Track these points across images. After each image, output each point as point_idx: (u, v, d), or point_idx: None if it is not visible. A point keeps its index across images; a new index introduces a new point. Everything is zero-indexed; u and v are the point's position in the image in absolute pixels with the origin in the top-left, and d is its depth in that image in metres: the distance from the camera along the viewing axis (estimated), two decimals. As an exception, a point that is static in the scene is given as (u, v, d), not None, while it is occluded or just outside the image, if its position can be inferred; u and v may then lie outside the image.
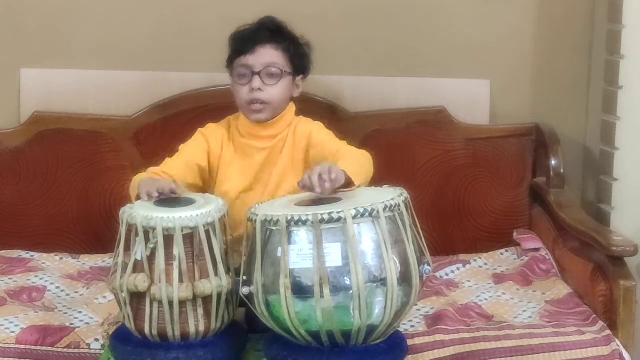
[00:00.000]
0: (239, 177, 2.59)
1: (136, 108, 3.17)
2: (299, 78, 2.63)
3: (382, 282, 2.15)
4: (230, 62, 2.61)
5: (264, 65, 2.55)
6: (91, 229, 3.10)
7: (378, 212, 2.16)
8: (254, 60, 2.56)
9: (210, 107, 3.09)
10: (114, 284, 2.26)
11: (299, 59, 2.62)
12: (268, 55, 2.56)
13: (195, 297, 2.22)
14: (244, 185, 2.58)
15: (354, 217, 2.14)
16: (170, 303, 2.20)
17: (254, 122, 2.59)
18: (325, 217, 2.13)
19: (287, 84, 2.59)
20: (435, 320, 2.55)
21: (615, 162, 3.05)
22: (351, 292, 2.12)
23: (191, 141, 2.63)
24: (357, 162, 2.41)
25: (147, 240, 2.21)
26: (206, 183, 2.60)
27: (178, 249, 2.20)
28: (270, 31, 2.59)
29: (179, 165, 2.55)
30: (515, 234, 3.11)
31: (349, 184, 2.30)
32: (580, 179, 3.31)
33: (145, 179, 2.44)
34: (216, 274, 2.24)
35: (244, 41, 2.59)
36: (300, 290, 2.13)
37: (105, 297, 2.71)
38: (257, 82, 2.55)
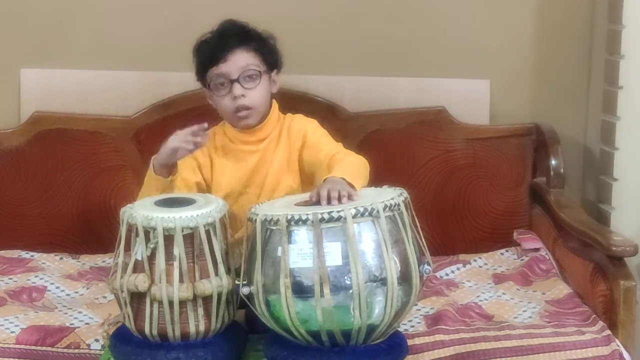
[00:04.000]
0: (232, 181, 2.58)
1: (136, 108, 3.18)
2: (273, 73, 2.61)
3: (382, 281, 2.15)
4: (201, 74, 2.59)
5: (240, 70, 2.53)
6: (91, 229, 3.10)
7: (378, 211, 2.16)
8: (228, 68, 2.53)
9: (210, 107, 3.06)
10: (114, 284, 2.26)
11: (270, 54, 2.60)
12: (242, 60, 2.54)
13: (195, 297, 2.22)
14: (239, 189, 2.58)
15: (354, 217, 2.14)
16: (171, 303, 2.20)
17: (243, 129, 2.58)
18: (325, 216, 2.14)
19: (265, 84, 2.58)
20: (435, 320, 2.55)
21: (615, 162, 3.05)
22: (351, 291, 2.12)
23: (181, 161, 2.57)
24: (354, 167, 2.40)
25: (147, 240, 2.21)
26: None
27: (178, 249, 2.20)
28: (237, 35, 2.56)
29: (179, 186, 2.52)
30: (515, 234, 3.11)
31: None
32: (580, 179, 3.31)
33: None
34: (216, 274, 2.25)
35: (214, 51, 2.56)
36: (301, 290, 2.14)
37: (105, 297, 2.71)
38: (237, 89, 2.53)
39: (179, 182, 2.52)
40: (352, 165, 2.41)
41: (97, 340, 2.44)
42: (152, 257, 2.22)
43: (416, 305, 2.47)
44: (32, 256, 3.00)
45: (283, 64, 2.65)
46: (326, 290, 2.12)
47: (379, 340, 2.24)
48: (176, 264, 2.21)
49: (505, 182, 3.18)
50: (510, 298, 2.76)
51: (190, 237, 2.22)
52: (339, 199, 2.21)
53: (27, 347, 2.44)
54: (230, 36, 2.57)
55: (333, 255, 2.13)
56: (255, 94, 2.55)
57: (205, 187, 2.60)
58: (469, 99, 3.24)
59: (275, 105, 2.64)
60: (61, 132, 3.15)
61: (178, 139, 2.43)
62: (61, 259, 3.00)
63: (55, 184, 3.11)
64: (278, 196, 2.51)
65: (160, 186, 2.46)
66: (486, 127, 3.23)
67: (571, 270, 2.86)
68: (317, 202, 2.24)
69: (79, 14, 3.20)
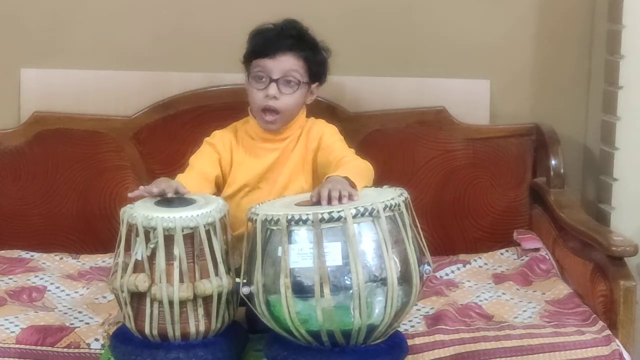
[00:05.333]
0: (247, 176, 2.59)
1: (136, 108, 3.17)
2: (314, 85, 2.62)
3: (382, 281, 2.15)
4: (248, 60, 2.59)
5: (282, 72, 2.53)
6: (91, 229, 3.10)
7: (378, 211, 2.16)
8: (273, 66, 2.53)
9: (211, 107, 3.09)
10: (115, 284, 2.26)
11: (317, 66, 2.60)
12: (288, 63, 2.53)
13: (195, 297, 2.22)
14: (252, 183, 2.58)
15: (354, 217, 2.14)
16: (171, 303, 2.20)
17: (264, 130, 2.59)
18: (326, 216, 2.14)
19: (302, 94, 2.57)
20: (435, 320, 2.55)
21: (615, 162, 3.05)
22: (351, 291, 2.12)
23: (201, 153, 2.61)
24: (357, 169, 2.40)
25: (147, 240, 2.21)
26: (220, 189, 2.60)
27: (178, 249, 2.20)
28: (293, 38, 2.56)
29: (195, 178, 2.52)
30: (515, 234, 3.11)
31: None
32: (580, 179, 3.31)
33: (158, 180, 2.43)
34: (217, 273, 2.25)
35: (266, 43, 2.56)
36: (301, 290, 2.14)
37: (105, 297, 2.71)
38: (273, 89, 2.53)
39: (196, 176, 2.52)
40: (356, 167, 2.42)
41: (97, 340, 2.45)
42: (152, 257, 2.22)
43: (416, 305, 2.47)
44: (32, 256, 3.00)
45: (327, 78, 2.66)
46: (326, 291, 2.12)
47: (379, 341, 2.24)
48: (176, 263, 2.21)
49: (505, 182, 3.18)
50: (510, 298, 2.76)
51: (190, 237, 2.22)
52: (340, 199, 2.22)
53: (27, 347, 2.44)
54: (287, 36, 2.56)
55: (333, 255, 2.13)
56: (287, 100, 2.54)
57: (222, 181, 2.60)
58: (469, 99, 3.24)
59: (303, 110, 2.64)
60: (61, 132, 3.14)
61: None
62: (61, 259, 3.00)
63: (55, 184, 3.11)
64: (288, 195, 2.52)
65: None
66: (486, 127, 3.23)
67: (571, 270, 2.86)
68: (318, 202, 2.24)
69: (79, 14, 3.20)
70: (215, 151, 2.60)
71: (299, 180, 2.57)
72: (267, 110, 2.54)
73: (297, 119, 2.61)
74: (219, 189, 2.60)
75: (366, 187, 2.38)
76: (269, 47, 2.55)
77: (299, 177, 2.57)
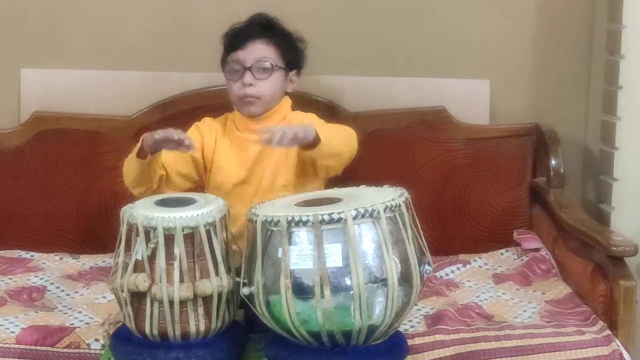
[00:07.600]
0: (233, 169, 2.61)
1: (136, 108, 3.17)
2: (292, 73, 2.67)
3: (383, 282, 2.15)
4: (224, 60, 2.65)
5: (255, 59, 2.58)
6: (91, 229, 3.10)
7: (378, 212, 2.16)
8: (245, 56, 2.59)
9: (210, 107, 3.08)
10: (115, 284, 2.26)
11: (292, 53, 2.66)
12: (259, 50, 2.60)
13: (195, 297, 2.22)
14: (239, 178, 2.60)
15: (355, 218, 2.13)
16: (171, 303, 2.20)
17: (247, 116, 2.60)
18: (326, 217, 2.13)
19: (278, 79, 2.62)
20: (435, 320, 2.55)
21: (615, 162, 3.05)
22: (352, 292, 2.12)
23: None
24: (332, 127, 2.47)
25: (147, 239, 2.21)
26: (202, 177, 2.63)
27: (179, 249, 2.20)
28: (261, 26, 2.63)
29: (171, 154, 2.53)
30: (515, 234, 3.12)
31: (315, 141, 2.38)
32: (580, 179, 3.31)
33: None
34: (217, 273, 2.25)
35: (235, 37, 2.63)
36: (301, 291, 2.13)
37: (105, 297, 2.71)
38: (248, 77, 2.58)
39: (172, 152, 2.52)
40: (331, 126, 2.48)
41: (97, 340, 2.45)
42: (152, 257, 2.22)
43: (416, 305, 2.47)
44: (32, 256, 3.00)
45: (304, 66, 2.70)
46: (326, 291, 2.12)
47: (379, 341, 2.24)
48: (176, 263, 2.21)
49: (505, 182, 3.18)
50: (510, 298, 2.76)
51: (190, 237, 2.22)
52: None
53: (27, 347, 2.44)
54: (254, 26, 2.63)
55: (333, 256, 2.12)
56: (264, 85, 2.59)
57: (202, 166, 2.63)
58: (469, 99, 3.24)
59: (287, 101, 2.68)
60: (61, 132, 3.14)
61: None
62: (61, 259, 3.00)
63: (55, 184, 3.11)
64: (274, 190, 2.52)
65: (138, 167, 2.49)
66: (486, 127, 3.23)
67: (571, 270, 2.86)
68: (317, 203, 2.24)
69: (78, 13, 3.20)
70: (200, 135, 2.65)
71: (283, 174, 2.60)
72: (246, 96, 2.59)
73: (279, 107, 2.64)
74: (199, 173, 2.63)
75: (364, 187, 2.39)
76: (239, 39, 2.62)
77: (283, 170, 2.60)
